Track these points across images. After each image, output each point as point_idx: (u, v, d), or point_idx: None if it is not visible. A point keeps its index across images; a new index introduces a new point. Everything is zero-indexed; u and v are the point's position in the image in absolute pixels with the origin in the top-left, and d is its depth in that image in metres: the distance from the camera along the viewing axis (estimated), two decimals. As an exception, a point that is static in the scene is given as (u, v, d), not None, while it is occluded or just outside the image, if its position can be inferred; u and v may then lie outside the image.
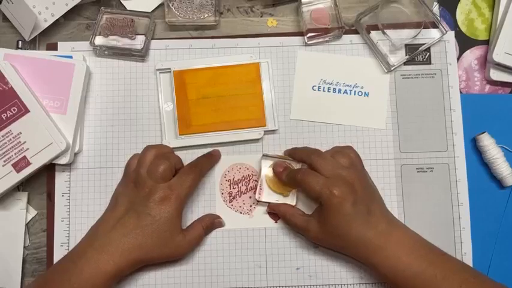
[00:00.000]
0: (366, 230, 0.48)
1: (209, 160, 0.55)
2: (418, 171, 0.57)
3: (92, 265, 0.47)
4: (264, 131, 0.56)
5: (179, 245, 0.51)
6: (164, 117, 0.57)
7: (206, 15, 0.57)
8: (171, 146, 0.56)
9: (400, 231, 0.50)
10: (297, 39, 0.58)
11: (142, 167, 0.51)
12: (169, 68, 0.56)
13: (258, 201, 0.55)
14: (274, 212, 0.55)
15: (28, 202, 0.56)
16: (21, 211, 0.55)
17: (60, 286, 0.46)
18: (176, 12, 0.57)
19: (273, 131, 0.57)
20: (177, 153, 0.56)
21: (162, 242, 0.49)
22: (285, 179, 0.53)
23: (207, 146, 0.56)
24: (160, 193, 0.49)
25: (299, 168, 0.54)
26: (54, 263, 0.53)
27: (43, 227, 0.56)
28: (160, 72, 0.57)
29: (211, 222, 0.54)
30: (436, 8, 0.59)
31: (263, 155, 0.56)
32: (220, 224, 0.55)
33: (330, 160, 0.51)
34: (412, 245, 0.48)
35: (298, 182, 0.51)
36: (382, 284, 0.55)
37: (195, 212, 0.56)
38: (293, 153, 0.55)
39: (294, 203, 0.55)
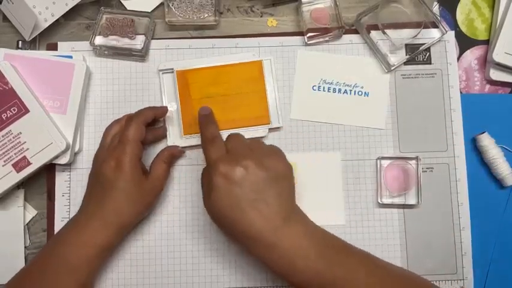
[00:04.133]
0: (255, 219, 0.44)
1: (151, 109, 0.54)
2: (418, 171, 0.57)
3: (79, 240, 0.49)
4: (269, 129, 0.56)
5: (149, 190, 0.51)
6: (168, 118, 0.57)
7: (206, 15, 0.57)
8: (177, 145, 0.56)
9: (298, 229, 0.45)
10: (297, 39, 0.58)
11: (101, 142, 0.54)
12: (172, 69, 0.56)
13: (380, 203, 0.56)
14: None
15: (28, 202, 0.56)
16: (18, 208, 0.55)
17: (58, 260, 0.48)
18: (176, 12, 0.57)
19: (277, 129, 0.57)
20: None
21: (133, 197, 0.50)
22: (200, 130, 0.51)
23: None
24: (108, 156, 0.50)
25: (209, 132, 0.50)
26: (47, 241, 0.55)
27: (43, 227, 0.56)
28: (163, 73, 0.57)
29: (171, 154, 0.54)
30: (436, 8, 0.59)
31: (378, 158, 0.56)
32: (181, 153, 0.56)
33: (242, 140, 0.49)
34: (309, 245, 0.44)
35: (202, 146, 0.49)
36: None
37: (195, 210, 0.56)
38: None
39: (415, 202, 0.55)
